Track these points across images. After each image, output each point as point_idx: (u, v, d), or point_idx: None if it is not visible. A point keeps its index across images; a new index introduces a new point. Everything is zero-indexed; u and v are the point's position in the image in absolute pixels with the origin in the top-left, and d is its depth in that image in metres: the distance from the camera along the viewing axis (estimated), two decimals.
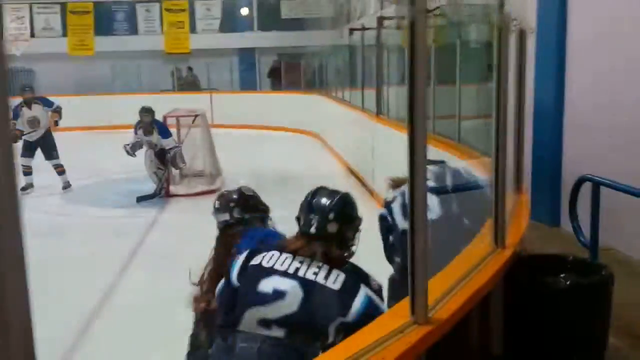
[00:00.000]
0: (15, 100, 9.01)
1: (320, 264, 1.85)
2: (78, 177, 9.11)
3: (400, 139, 6.25)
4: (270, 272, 1.88)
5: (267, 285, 1.86)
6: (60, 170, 8.60)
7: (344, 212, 1.97)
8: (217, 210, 2.68)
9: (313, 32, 17.17)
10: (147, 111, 7.97)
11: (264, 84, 18.12)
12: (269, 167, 10.80)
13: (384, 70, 7.64)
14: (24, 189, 8.30)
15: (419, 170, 1.41)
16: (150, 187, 8.03)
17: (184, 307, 4.58)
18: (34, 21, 17.56)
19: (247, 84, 18.18)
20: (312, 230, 1.92)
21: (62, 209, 7.67)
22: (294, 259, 1.89)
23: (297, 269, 1.86)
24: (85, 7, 17.54)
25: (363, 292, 1.81)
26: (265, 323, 1.83)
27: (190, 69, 18.10)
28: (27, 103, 8.51)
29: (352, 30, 9.67)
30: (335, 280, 1.83)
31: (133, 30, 18.00)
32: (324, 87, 14.68)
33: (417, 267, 1.48)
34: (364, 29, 8.59)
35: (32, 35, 17.55)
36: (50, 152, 8.59)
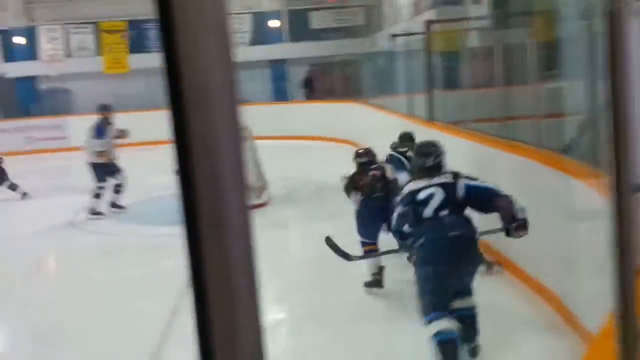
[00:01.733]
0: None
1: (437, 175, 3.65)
2: (122, 195, 9.10)
3: (457, 144, 5.97)
4: (420, 189, 3.60)
5: (422, 194, 3.57)
6: (119, 189, 8.39)
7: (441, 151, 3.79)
8: (361, 156, 5.28)
9: (344, 41, 17.08)
10: None
11: (296, 95, 18.05)
12: (310, 178, 10.66)
13: (434, 74, 7.43)
14: (97, 213, 8.06)
15: (625, 173, 1.06)
16: None
17: None
18: (69, 41, 17.76)
19: (279, 95, 18.14)
20: (430, 164, 3.69)
21: (113, 228, 7.61)
22: (424, 179, 3.66)
23: (431, 181, 3.60)
24: (118, 25, 17.71)
25: (461, 182, 3.58)
26: (436, 211, 3.50)
27: None
28: (110, 122, 8.32)
29: (394, 36, 9.48)
30: (447, 179, 3.59)
31: None
32: (359, 95, 14.52)
33: (629, 309, 1.04)
34: (409, 34, 8.40)
35: (68, 55, 17.76)
36: (119, 169, 8.34)
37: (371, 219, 4.94)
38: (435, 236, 3.44)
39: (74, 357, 4.08)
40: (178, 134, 0.55)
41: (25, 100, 17.81)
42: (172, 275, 5.56)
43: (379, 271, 4.78)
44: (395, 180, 5.11)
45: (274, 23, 18.19)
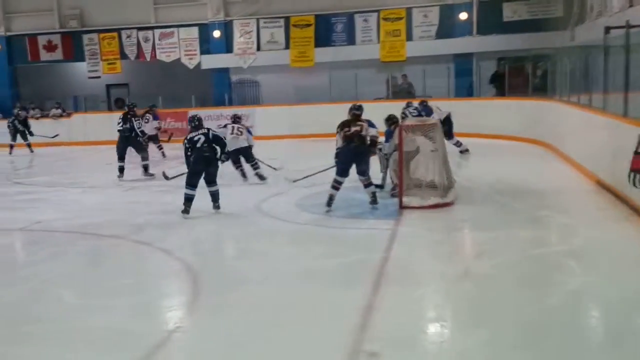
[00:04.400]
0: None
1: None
2: (304, 185, 9.20)
3: None
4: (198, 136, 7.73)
5: (196, 137, 7.69)
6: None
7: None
8: (357, 109, 7.76)
9: (538, 34, 15.80)
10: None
11: (483, 90, 17.10)
12: (500, 179, 9.88)
13: None
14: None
15: None
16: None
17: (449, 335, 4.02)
18: (260, 35, 18.55)
19: (463, 90, 17.33)
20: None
21: (296, 216, 7.57)
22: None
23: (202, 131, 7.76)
24: (307, 20, 18.12)
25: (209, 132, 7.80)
26: (201, 146, 7.65)
27: (405, 76, 17.75)
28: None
29: (608, 29, 8.39)
30: (208, 131, 7.79)
31: (351, 40, 18.16)
32: (555, 92, 13.30)
33: None
34: (629, 26, 7.33)
35: (258, 48, 18.55)
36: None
37: (346, 161, 7.53)
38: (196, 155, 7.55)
39: (269, 349, 3.94)
40: None
41: (219, 90, 18.96)
42: (361, 271, 5.32)
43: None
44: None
45: (463, 15, 17.37)
